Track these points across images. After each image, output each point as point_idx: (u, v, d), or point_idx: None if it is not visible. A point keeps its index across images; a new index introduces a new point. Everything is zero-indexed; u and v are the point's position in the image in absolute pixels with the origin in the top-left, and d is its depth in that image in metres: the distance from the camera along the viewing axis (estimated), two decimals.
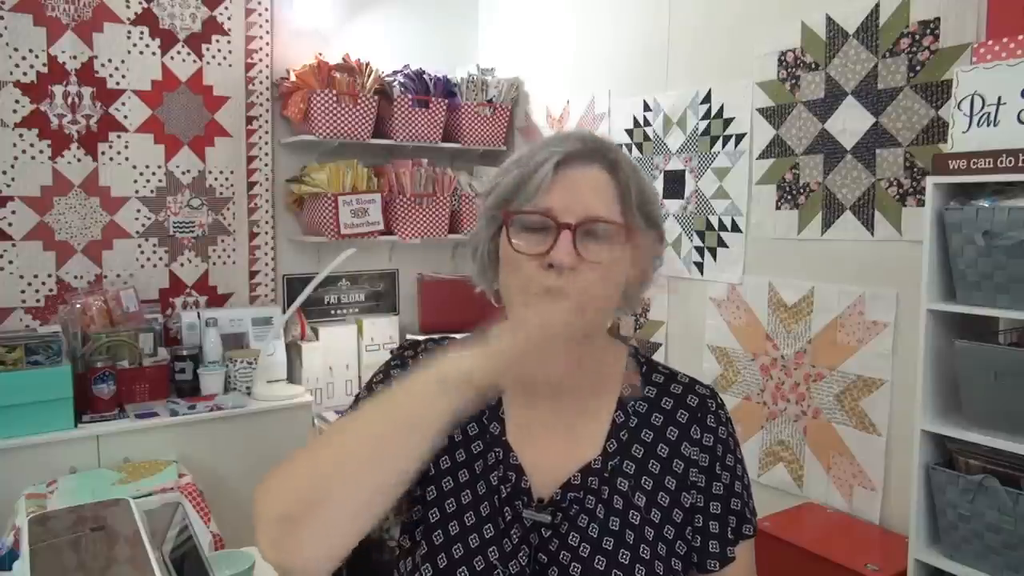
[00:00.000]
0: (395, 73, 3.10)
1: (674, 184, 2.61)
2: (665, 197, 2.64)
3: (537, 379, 0.84)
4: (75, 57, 2.59)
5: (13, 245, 2.55)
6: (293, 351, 2.93)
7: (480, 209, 0.90)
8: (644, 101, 2.71)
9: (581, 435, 0.88)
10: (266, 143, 2.99)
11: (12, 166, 2.52)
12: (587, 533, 0.82)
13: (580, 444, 0.87)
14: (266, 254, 3.03)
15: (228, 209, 2.93)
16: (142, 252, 2.78)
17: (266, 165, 3.00)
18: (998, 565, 1.53)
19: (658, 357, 2.68)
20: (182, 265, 2.86)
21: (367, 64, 2.99)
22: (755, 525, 0.91)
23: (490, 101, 3.24)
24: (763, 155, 2.31)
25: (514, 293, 0.83)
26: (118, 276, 2.73)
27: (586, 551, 0.81)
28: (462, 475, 0.87)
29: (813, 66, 2.15)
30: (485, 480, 0.85)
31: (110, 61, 2.66)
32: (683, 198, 2.58)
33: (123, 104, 2.70)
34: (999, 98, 1.53)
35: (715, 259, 2.47)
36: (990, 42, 1.59)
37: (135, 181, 2.75)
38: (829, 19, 2.11)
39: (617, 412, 0.89)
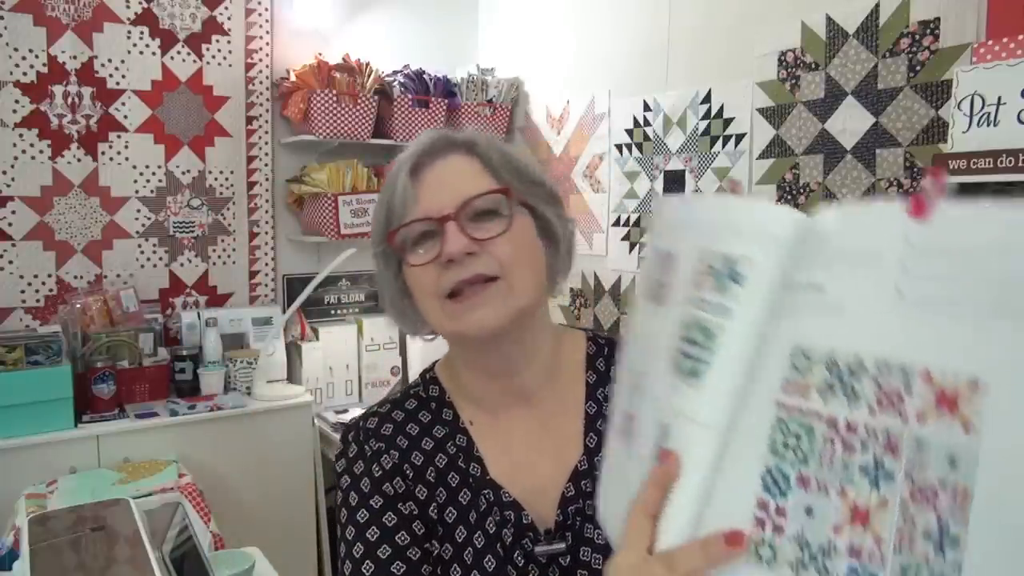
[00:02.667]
0: (395, 73, 3.10)
1: (674, 184, 2.61)
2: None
3: (499, 374, 0.84)
4: (75, 57, 2.59)
5: (13, 245, 2.55)
6: (293, 351, 2.93)
7: (374, 258, 0.86)
8: (644, 101, 2.71)
9: (559, 439, 0.85)
10: (266, 143, 2.99)
11: (12, 166, 2.52)
12: (595, 542, 0.80)
13: (561, 448, 0.84)
14: (266, 254, 3.03)
15: (228, 209, 2.93)
16: (142, 252, 2.78)
17: (266, 165, 3.00)
18: None
19: None
20: (182, 265, 2.86)
21: (367, 64, 2.99)
22: None
23: (490, 101, 3.24)
24: (763, 155, 2.31)
25: (431, 310, 0.79)
26: (118, 276, 2.73)
27: (599, 562, 0.79)
28: (459, 533, 0.81)
29: (813, 66, 2.15)
30: (483, 530, 0.81)
31: (110, 61, 2.66)
32: None
33: (123, 104, 2.70)
34: (999, 98, 1.53)
35: None
36: (990, 42, 1.59)
37: (135, 181, 2.75)
38: (829, 19, 2.11)
39: (588, 403, 0.86)
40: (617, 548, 0.55)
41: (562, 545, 0.80)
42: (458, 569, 0.80)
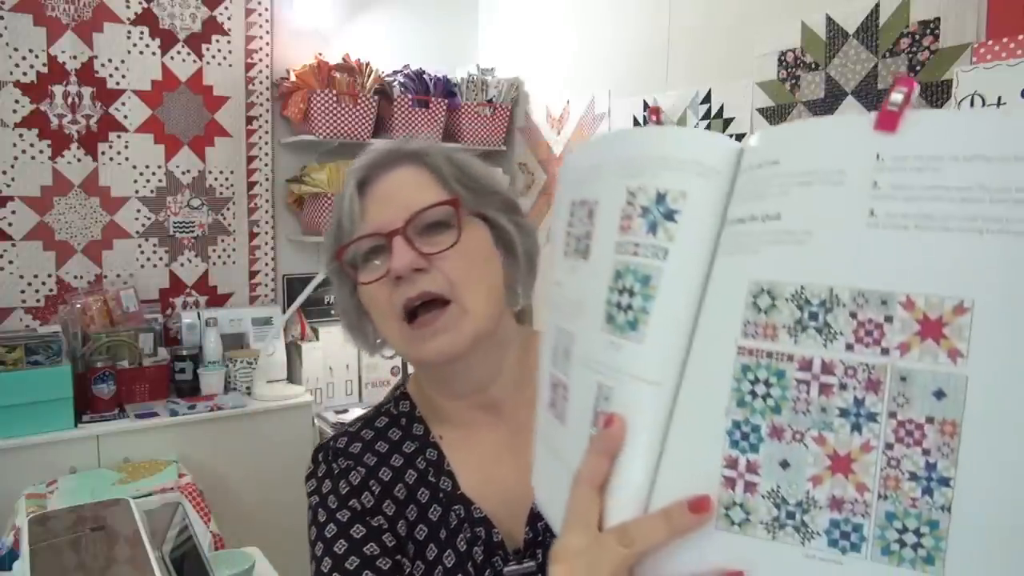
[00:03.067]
0: (395, 73, 3.10)
1: None
2: None
3: (465, 394, 0.81)
4: (75, 57, 2.59)
5: (13, 245, 2.55)
6: (293, 351, 2.93)
7: (328, 277, 0.84)
8: (644, 101, 2.71)
9: (526, 449, 0.83)
10: (266, 143, 2.99)
11: (12, 166, 2.52)
12: None
13: (529, 459, 0.83)
14: (266, 254, 3.03)
15: (228, 209, 2.93)
16: (142, 252, 2.78)
17: (266, 165, 3.00)
18: None
19: None
20: (182, 265, 2.86)
21: (367, 64, 2.99)
22: None
23: (490, 101, 3.24)
24: None
25: (388, 330, 0.78)
26: (118, 276, 2.73)
27: None
28: (430, 551, 0.78)
29: (813, 66, 2.15)
30: (453, 548, 0.77)
31: (110, 61, 2.66)
32: None
33: (123, 104, 2.70)
34: (999, 98, 1.53)
35: None
36: (990, 42, 1.59)
37: (135, 181, 2.75)
38: (829, 19, 2.11)
39: None
40: (560, 531, 0.49)
41: (532, 564, 0.77)
42: None
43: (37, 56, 2.53)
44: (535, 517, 0.78)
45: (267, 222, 3.02)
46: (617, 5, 2.82)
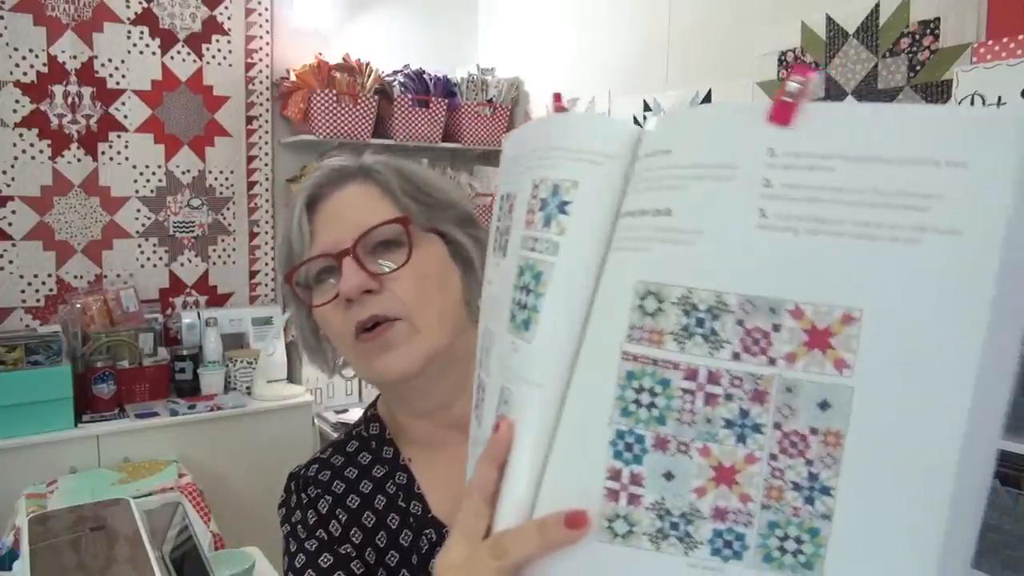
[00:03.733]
0: (395, 73, 3.10)
1: None
2: None
3: (428, 412, 0.79)
4: (75, 57, 2.59)
5: (13, 245, 2.55)
6: (293, 351, 2.93)
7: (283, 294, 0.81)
8: (644, 101, 2.71)
9: None
10: (266, 143, 2.99)
11: (12, 166, 2.52)
12: None
13: None
14: (266, 254, 3.03)
15: (228, 209, 2.93)
16: (142, 252, 2.78)
17: (266, 165, 3.00)
18: (998, 565, 1.53)
19: None
20: (182, 265, 2.86)
21: (367, 64, 2.99)
22: None
23: (490, 101, 3.24)
24: None
25: (344, 351, 0.76)
26: (118, 276, 2.73)
27: None
28: None
29: (813, 66, 2.15)
30: (425, 572, 0.75)
31: (110, 61, 2.66)
32: None
33: (123, 104, 2.70)
34: (999, 98, 1.53)
35: None
36: (990, 42, 1.59)
37: (135, 181, 2.75)
38: (829, 19, 2.11)
39: None
40: (446, 542, 0.47)
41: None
42: None
43: (37, 56, 2.53)
44: None
45: (267, 222, 3.02)
46: (617, 5, 2.82)
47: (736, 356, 0.38)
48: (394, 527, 0.78)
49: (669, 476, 0.40)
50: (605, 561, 0.41)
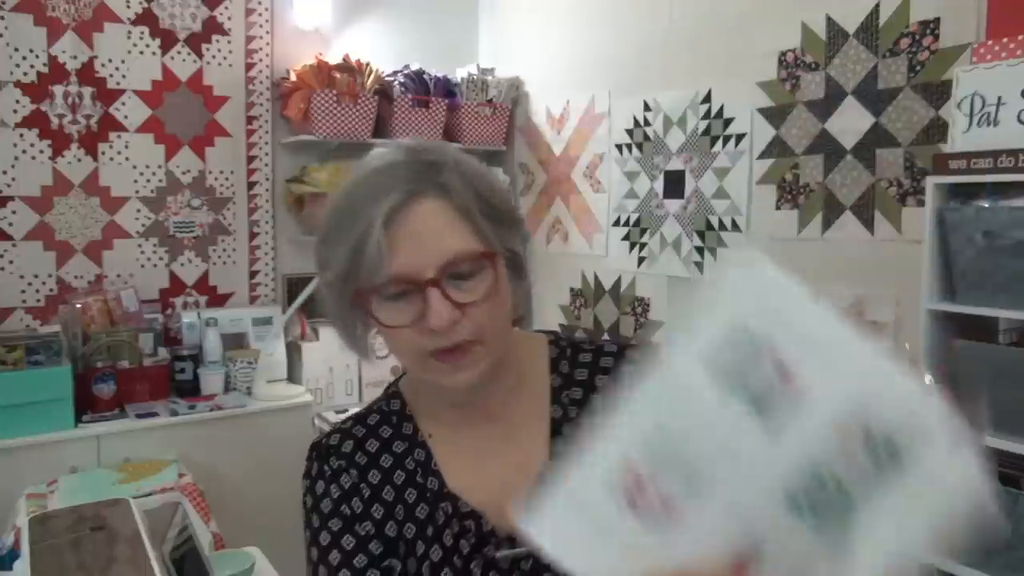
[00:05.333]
0: (395, 73, 3.10)
1: (674, 184, 2.61)
2: (665, 197, 2.64)
3: (463, 401, 0.82)
4: (75, 57, 2.60)
5: (13, 245, 2.55)
6: (293, 351, 2.93)
7: (320, 280, 0.79)
8: (644, 101, 2.71)
9: (525, 447, 0.83)
10: (266, 143, 2.99)
11: (12, 166, 2.52)
12: None
13: (527, 456, 0.82)
14: (266, 254, 3.03)
15: (228, 209, 2.93)
16: (142, 252, 2.78)
17: (266, 165, 3.00)
18: (998, 565, 1.53)
19: None
20: (182, 265, 2.86)
21: (367, 64, 2.99)
22: None
23: (490, 101, 3.24)
24: (763, 155, 2.31)
25: (406, 360, 0.78)
26: (118, 276, 2.73)
27: None
28: (418, 548, 0.80)
29: (813, 66, 2.15)
30: (439, 543, 0.79)
31: (110, 61, 2.66)
32: (683, 198, 2.58)
33: (123, 104, 2.70)
34: (999, 98, 1.53)
35: (715, 259, 2.47)
36: (990, 42, 1.59)
37: (135, 181, 2.75)
38: (829, 19, 2.11)
39: (553, 407, 0.84)
40: None
41: (524, 549, 0.75)
42: None
43: (37, 56, 2.53)
44: None
45: (267, 222, 3.02)
46: (617, 5, 2.82)
47: None
48: (411, 501, 0.82)
49: None
50: None
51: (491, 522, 0.79)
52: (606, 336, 2.90)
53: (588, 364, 0.86)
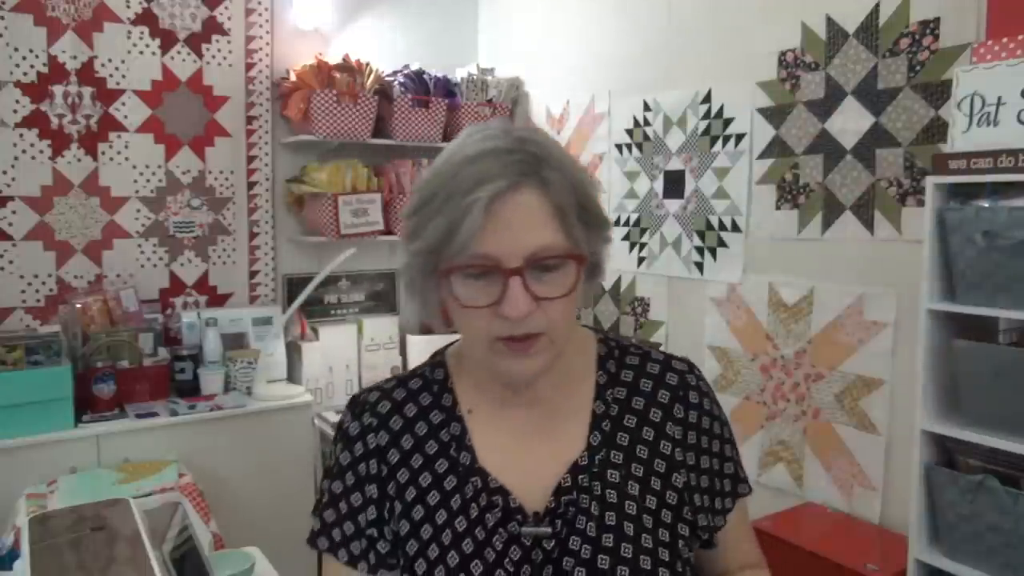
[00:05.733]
0: (395, 73, 3.10)
1: (674, 184, 2.61)
2: (665, 197, 2.64)
3: (518, 384, 0.85)
4: (75, 57, 2.59)
5: (13, 245, 2.55)
6: (293, 351, 2.93)
7: (406, 249, 0.82)
8: (644, 101, 2.71)
9: (562, 435, 0.85)
10: (266, 143, 2.99)
11: (12, 166, 2.52)
12: (586, 534, 0.79)
13: (563, 444, 0.84)
14: (266, 254, 3.03)
15: (228, 209, 2.93)
16: (142, 252, 2.78)
17: (266, 165, 3.00)
18: (998, 565, 1.53)
19: None
20: (182, 265, 2.86)
21: (367, 64, 2.99)
22: (748, 483, 0.92)
23: (490, 101, 3.24)
24: (763, 155, 2.31)
25: (474, 342, 0.80)
26: (118, 276, 2.73)
27: (588, 552, 0.78)
28: (439, 516, 0.82)
29: (813, 66, 2.15)
30: (465, 515, 0.81)
31: (110, 61, 2.66)
32: (683, 198, 2.58)
33: (123, 104, 2.70)
34: (999, 98, 1.53)
35: (715, 259, 2.47)
36: (990, 42, 1.59)
37: (135, 181, 2.75)
38: (829, 19, 2.11)
39: (596, 403, 0.86)
40: None
41: (548, 529, 0.80)
42: (435, 549, 0.81)
43: (37, 56, 2.53)
44: (561, 491, 0.81)
45: (267, 222, 3.02)
46: (617, 5, 2.82)
47: None
48: (441, 472, 0.84)
49: None
50: None
51: (518, 500, 0.81)
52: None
53: (635, 367, 0.89)
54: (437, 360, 0.93)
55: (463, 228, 0.73)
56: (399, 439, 0.87)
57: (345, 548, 0.87)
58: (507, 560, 0.79)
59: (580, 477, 0.82)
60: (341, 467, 0.88)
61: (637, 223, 2.75)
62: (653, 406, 0.87)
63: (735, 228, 2.40)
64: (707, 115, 2.48)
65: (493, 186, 0.73)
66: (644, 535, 0.80)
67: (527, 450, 0.85)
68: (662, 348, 2.67)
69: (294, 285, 3.05)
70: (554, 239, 0.75)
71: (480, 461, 0.84)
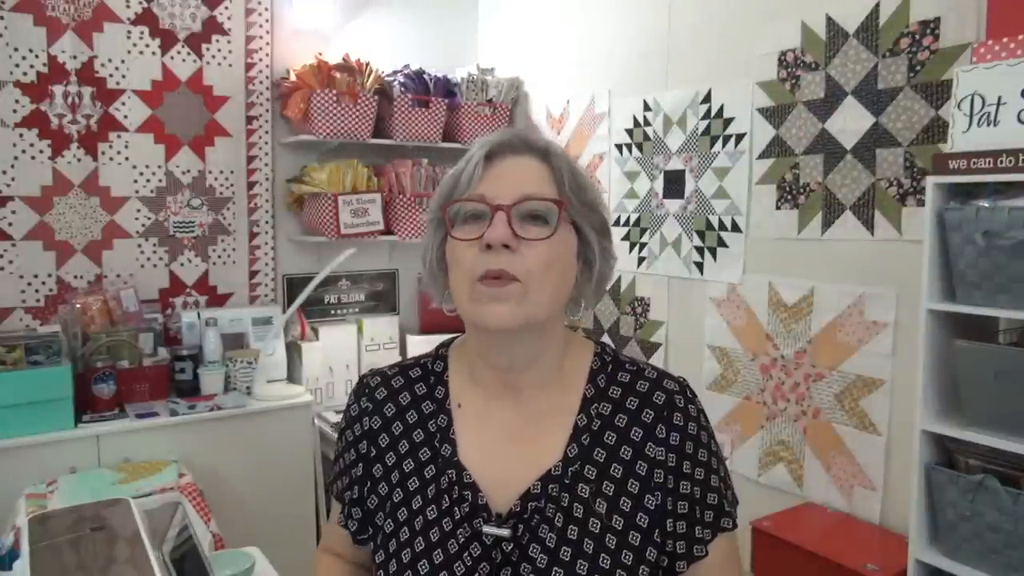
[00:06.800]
0: (395, 73, 3.10)
1: (674, 184, 2.61)
2: (665, 197, 2.64)
3: (500, 368, 0.88)
4: (75, 57, 2.59)
5: (13, 245, 2.55)
6: (293, 351, 2.93)
7: (428, 220, 0.91)
8: (644, 101, 2.71)
9: (542, 442, 0.86)
10: (266, 143, 2.99)
11: (12, 166, 2.52)
12: (546, 544, 0.80)
13: (541, 451, 0.85)
14: (266, 254, 3.03)
15: (228, 209, 2.93)
16: (142, 252, 2.78)
17: (266, 165, 3.00)
18: (998, 565, 1.53)
19: (658, 357, 2.68)
20: (182, 265, 2.86)
21: (367, 64, 2.99)
22: (735, 518, 0.88)
23: (490, 101, 3.24)
24: (763, 155, 2.31)
25: (459, 286, 0.83)
26: (118, 276, 2.73)
27: (544, 563, 0.79)
28: (415, 502, 0.87)
29: (813, 66, 2.15)
30: (436, 504, 0.85)
31: (110, 61, 2.66)
32: (683, 198, 2.58)
33: (123, 104, 2.70)
34: (999, 98, 1.53)
35: (715, 259, 2.47)
36: (990, 42, 1.59)
37: (135, 181, 2.75)
38: (829, 19, 2.11)
39: (580, 415, 0.87)
40: None
41: (507, 531, 0.81)
42: (406, 532, 0.86)
43: (37, 56, 2.53)
44: (529, 496, 0.83)
45: (267, 222, 3.02)
46: (617, 5, 2.82)
47: None
48: (423, 459, 0.89)
49: None
50: None
51: (486, 497, 0.84)
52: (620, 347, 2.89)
53: (624, 384, 0.90)
54: (440, 352, 0.97)
55: (465, 174, 0.84)
56: (390, 425, 0.92)
57: (342, 514, 0.96)
58: (466, 555, 0.82)
59: (551, 486, 0.82)
60: (346, 443, 0.96)
61: (637, 223, 2.75)
62: (635, 425, 0.86)
63: (735, 228, 2.40)
64: (707, 115, 2.48)
65: (498, 139, 0.85)
66: (603, 555, 0.80)
67: (506, 451, 0.87)
68: (662, 349, 2.68)
69: (294, 285, 3.05)
70: (545, 192, 0.83)
71: (459, 455, 0.87)
